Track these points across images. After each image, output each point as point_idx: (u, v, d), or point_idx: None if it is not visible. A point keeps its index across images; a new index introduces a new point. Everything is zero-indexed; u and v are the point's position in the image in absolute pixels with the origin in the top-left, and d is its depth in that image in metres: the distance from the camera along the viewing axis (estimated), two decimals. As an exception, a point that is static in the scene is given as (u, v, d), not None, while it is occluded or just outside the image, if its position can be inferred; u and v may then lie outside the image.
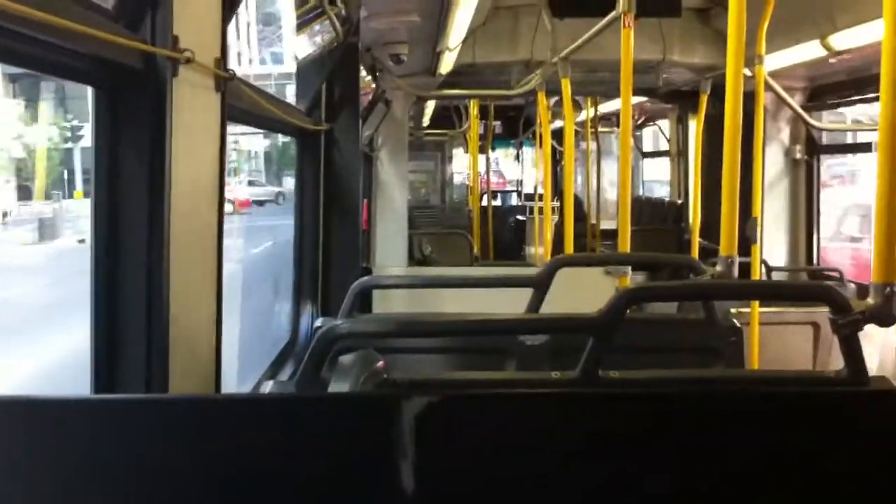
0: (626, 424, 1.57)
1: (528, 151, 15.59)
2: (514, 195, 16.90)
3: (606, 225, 10.48)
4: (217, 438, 1.51)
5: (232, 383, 3.47)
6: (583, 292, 3.26)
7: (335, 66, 4.55)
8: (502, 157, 19.05)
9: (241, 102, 2.80)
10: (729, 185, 3.22)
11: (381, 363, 2.14)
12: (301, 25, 4.63)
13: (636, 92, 4.43)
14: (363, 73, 5.61)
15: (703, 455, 1.57)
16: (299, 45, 4.68)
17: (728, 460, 1.56)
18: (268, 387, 2.07)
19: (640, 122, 10.93)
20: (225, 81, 2.43)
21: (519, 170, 16.96)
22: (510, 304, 3.01)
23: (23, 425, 1.50)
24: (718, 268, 3.21)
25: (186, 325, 2.21)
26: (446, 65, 6.30)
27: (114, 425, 1.52)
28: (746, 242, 4.26)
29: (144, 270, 2.05)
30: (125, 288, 2.06)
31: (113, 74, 2.00)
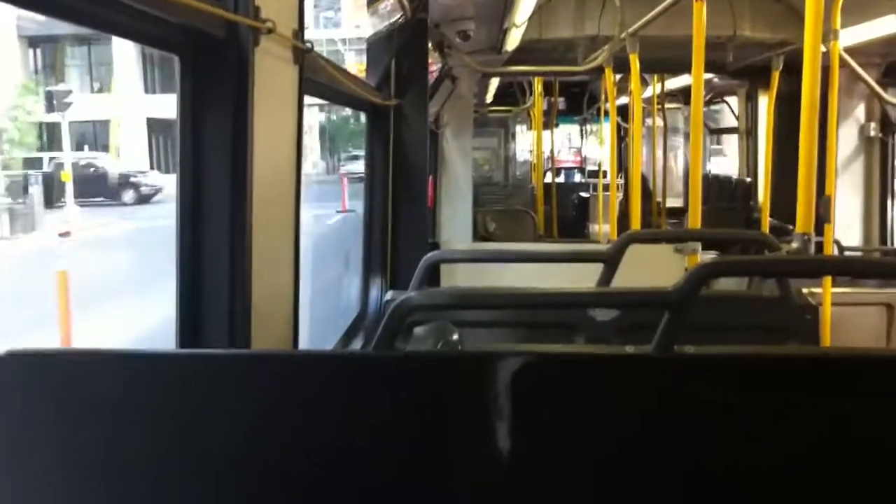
0: (712, 392, 1.57)
1: (591, 128, 15.46)
2: (577, 172, 16.76)
3: (672, 203, 10.38)
4: (311, 395, 1.55)
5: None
6: (650, 270, 3.24)
7: (404, 43, 4.57)
8: (577, 132, 18.52)
9: (316, 75, 2.83)
10: (806, 162, 3.17)
11: (454, 335, 2.16)
12: (371, 1, 4.67)
13: (706, 68, 4.38)
14: (430, 49, 5.62)
15: (784, 427, 1.56)
16: (369, 21, 4.72)
17: (812, 433, 1.56)
18: None
19: (707, 98, 10.78)
20: (303, 53, 2.46)
21: (591, 146, 16.77)
22: (575, 281, 3.01)
23: (116, 376, 1.56)
24: (794, 245, 3.17)
25: (267, 288, 2.26)
26: (512, 41, 6.28)
27: (199, 379, 1.57)
28: (819, 221, 4.20)
29: (228, 235, 2.09)
30: (209, 251, 2.10)
31: (196, 43, 2.04)
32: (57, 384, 1.54)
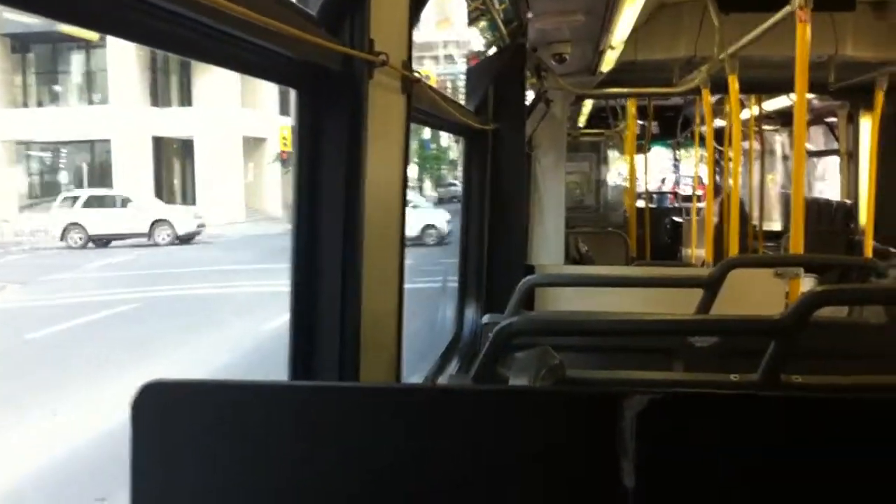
0: (829, 424, 1.54)
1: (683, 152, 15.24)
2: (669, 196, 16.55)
3: (767, 227, 10.17)
4: (425, 427, 1.56)
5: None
6: (748, 294, 3.19)
7: (503, 67, 4.62)
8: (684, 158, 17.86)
9: (421, 104, 2.89)
10: None
11: (556, 360, 2.17)
12: (469, 24, 4.75)
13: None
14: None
15: None
16: (467, 44, 4.79)
17: None
18: (445, 380, 2.13)
19: (807, 121, 10.53)
20: (411, 83, 2.52)
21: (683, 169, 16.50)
22: (669, 304, 2.97)
23: (224, 408, 1.61)
24: None
25: (375, 318, 2.30)
26: (608, 63, 6.26)
27: (311, 410, 1.61)
28: None
29: (340, 264, 2.14)
30: (323, 280, 2.15)
31: (314, 77, 2.09)
32: (187, 412, 1.60)
